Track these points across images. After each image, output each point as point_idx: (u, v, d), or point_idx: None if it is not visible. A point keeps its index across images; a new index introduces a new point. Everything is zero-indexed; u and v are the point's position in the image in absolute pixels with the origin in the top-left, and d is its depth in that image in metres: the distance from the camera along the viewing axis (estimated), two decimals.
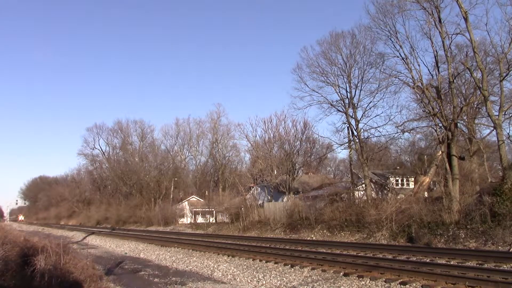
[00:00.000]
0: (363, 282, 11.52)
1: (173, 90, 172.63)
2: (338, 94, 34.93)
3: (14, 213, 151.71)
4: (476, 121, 32.43)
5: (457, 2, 24.30)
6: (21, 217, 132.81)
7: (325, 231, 28.49)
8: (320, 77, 35.36)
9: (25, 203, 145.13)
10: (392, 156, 54.33)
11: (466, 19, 24.03)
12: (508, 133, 27.63)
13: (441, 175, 29.30)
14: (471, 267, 12.61)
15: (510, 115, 26.71)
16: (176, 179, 71.79)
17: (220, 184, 68.32)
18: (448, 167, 25.47)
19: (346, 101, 34.48)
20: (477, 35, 25.07)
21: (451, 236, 20.21)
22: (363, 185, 34.03)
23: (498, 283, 9.76)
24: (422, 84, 26.93)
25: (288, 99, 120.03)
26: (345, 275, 12.50)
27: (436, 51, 26.59)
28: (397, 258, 15.68)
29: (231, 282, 13.97)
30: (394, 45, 27.94)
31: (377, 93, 32.26)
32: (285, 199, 42.24)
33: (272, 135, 48.36)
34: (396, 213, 23.94)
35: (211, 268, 16.58)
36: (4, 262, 11.68)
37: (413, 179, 39.09)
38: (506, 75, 24.33)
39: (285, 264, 15.21)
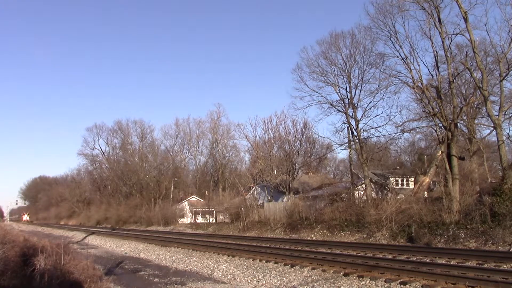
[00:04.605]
0: (363, 282, 11.51)
1: (173, 90, 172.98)
2: (338, 94, 34.98)
3: (14, 213, 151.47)
4: (476, 121, 32.40)
5: (456, 2, 24.30)
6: (25, 217, 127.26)
7: (325, 231, 28.49)
8: (320, 77, 35.39)
9: (25, 203, 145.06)
10: (392, 156, 54.40)
11: (465, 19, 24.02)
12: (508, 133, 27.69)
13: (441, 175, 29.28)
14: (471, 267, 12.61)
15: (510, 115, 26.71)
16: (176, 179, 71.80)
17: (220, 184, 68.32)
18: (448, 167, 25.46)
19: (346, 101, 34.50)
20: (477, 35, 25.09)
21: (451, 236, 20.22)
22: (363, 185, 34.03)
23: (498, 283, 9.75)
24: (422, 84, 26.93)
25: (288, 99, 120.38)
26: (345, 275, 12.49)
27: (436, 51, 26.61)
28: (397, 258, 15.68)
29: (231, 282, 13.96)
30: (394, 45, 27.98)
31: (377, 93, 32.30)
32: (285, 199, 42.22)
33: (272, 135, 48.39)
34: (396, 213, 23.93)
35: (211, 268, 16.58)
36: (4, 262, 11.69)
37: (413, 179, 39.07)
38: (506, 75, 24.31)
39: (285, 264, 15.21)
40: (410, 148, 51.93)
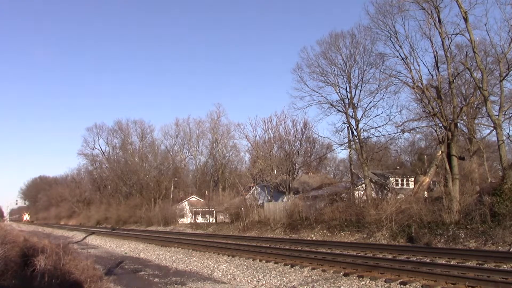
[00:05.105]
0: (363, 282, 11.52)
1: (173, 90, 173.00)
2: (338, 94, 35.01)
3: (14, 213, 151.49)
4: (476, 121, 32.42)
5: (456, 2, 24.31)
6: (26, 217, 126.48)
7: (325, 231, 28.49)
8: (320, 77, 35.42)
9: (25, 203, 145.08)
10: (392, 156, 54.44)
11: (465, 19, 24.02)
12: (508, 133, 27.67)
13: (441, 175, 29.29)
14: (471, 267, 12.61)
15: (510, 115, 26.71)
16: (176, 179, 71.79)
17: (220, 184, 68.32)
18: (448, 167, 25.47)
19: (346, 101, 34.52)
20: (477, 35, 25.09)
21: (451, 236, 20.21)
22: (363, 185, 34.04)
23: (498, 283, 9.75)
24: (422, 84, 26.95)
25: (288, 99, 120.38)
26: (345, 275, 12.50)
27: (436, 51, 26.62)
28: (397, 258, 15.68)
29: (231, 282, 13.97)
30: (394, 45, 27.99)
31: (377, 93, 32.35)
32: (285, 199, 42.23)
33: (272, 135, 48.38)
34: (396, 213, 23.94)
35: (211, 268, 16.58)
36: (4, 262, 11.69)
37: (413, 179, 39.09)
38: (506, 75, 24.32)
39: (285, 264, 15.21)
40: (410, 148, 52.00)
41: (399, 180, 41.44)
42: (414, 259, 15.22)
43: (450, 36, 25.38)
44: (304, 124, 46.11)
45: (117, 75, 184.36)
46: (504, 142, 24.12)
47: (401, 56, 27.66)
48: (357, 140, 34.26)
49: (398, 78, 28.49)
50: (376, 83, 31.96)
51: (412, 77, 27.21)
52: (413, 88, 27.89)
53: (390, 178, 40.61)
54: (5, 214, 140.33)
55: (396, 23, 27.46)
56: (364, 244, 21.44)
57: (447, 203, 23.11)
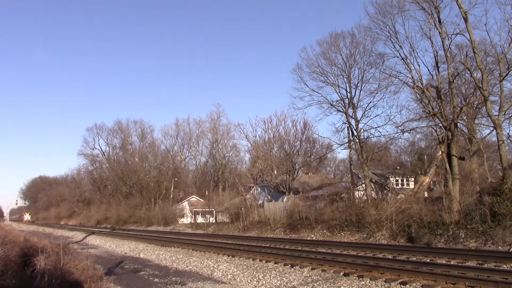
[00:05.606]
0: (363, 282, 11.51)
1: (173, 90, 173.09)
2: (338, 94, 35.01)
3: (14, 213, 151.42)
4: (476, 121, 32.38)
5: (456, 2, 24.31)
6: (27, 217, 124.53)
7: (325, 231, 28.50)
8: (320, 77, 35.43)
9: (25, 203, 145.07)
10: (392, 156, 54.44)
11: (465, 19, 24.02)
12: (508, 133, 27.67)
13: (441, 175, 29.28)
14: (471, 267, 12.61)
15: (510, 115, 26.68)
16: (176, 179, 71.79)
17: (220, 184, 68.31)
18: (448, 167, 25.46)
19: (346, 101, 34.52)
20: (477, 35, 25.08)
21: (451, 236, 20.22)
22: (363, 185, 34.03)
23: (498, 283, 9.75)
24: (422, 84, 26.95)
25: (288, 99, 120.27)
26: (345, 275, 12.50)
27: (436, 51, 26.63)
28: (397, 258, 15.68)
29: (231, 282, 13.97)
30: (394, 45, 27.98)
31: (377, 93, 32.31)
32: (285, 199, 42.23)
33: (272, 135, 48.38)
34: (396, 213, 23.94)
35: (211, 268, 16.58)
36: (4, 262, 11.68)
37: (413, 179, 39.06)
38: (506, 75, 24.32)
39: (285, 264, 15.21)
40: (410, 148, 51.97)
41: (399, 180, 41.44)
42: (414, 259, 15.22)
43: (450, 36, 25.41)
44: (304, 124, 46.16)
45: (117, 75, 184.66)
46: (504, 142, 24.11)
47: (401, 56, 27.69)
48: (357, 140, 34.26)
49: (398, 78, 28.51)
50: (376, 83, 31.98)
51: (412, 77, 27.23)
52: (413, 88, 27.88)
53: (390, 178, 40.61)
54: (5, 214, 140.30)
55: (396, 23, 27.49)
56: (364, 244, 21.44)
57: (447, 203, 23.11)
